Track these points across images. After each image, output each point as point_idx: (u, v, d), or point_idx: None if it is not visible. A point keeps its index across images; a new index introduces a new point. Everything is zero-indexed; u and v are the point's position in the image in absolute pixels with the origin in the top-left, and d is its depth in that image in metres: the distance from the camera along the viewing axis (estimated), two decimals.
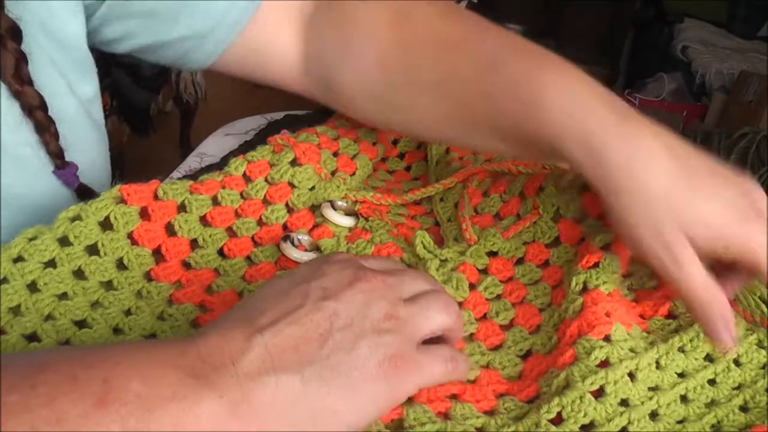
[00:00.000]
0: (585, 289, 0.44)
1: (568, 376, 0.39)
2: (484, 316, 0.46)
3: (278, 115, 0.74)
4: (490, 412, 0.39)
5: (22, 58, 0.46)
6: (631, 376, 0.40)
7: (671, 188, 0.40)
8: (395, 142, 0.66)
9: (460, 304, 0.46)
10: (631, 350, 0.40)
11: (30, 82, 0.47)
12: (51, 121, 0.49)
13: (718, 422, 0.39)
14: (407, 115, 0.52)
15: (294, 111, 0.76)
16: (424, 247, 0.49)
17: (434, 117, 0.51)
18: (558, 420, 0.37)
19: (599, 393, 0.38)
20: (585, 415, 0.37)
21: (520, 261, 0.50)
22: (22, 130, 0.48)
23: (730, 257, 0.40)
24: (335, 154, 0.58)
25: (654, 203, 0.40)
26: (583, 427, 0.37)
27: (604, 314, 0.42)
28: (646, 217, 0.40)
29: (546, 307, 0.46)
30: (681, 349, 0.42)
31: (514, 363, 0.42)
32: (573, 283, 0.45)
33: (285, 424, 0.32)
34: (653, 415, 0.39)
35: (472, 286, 0.47)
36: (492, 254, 0.50)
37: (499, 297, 0.47)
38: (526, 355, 0.43)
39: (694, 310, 0.40)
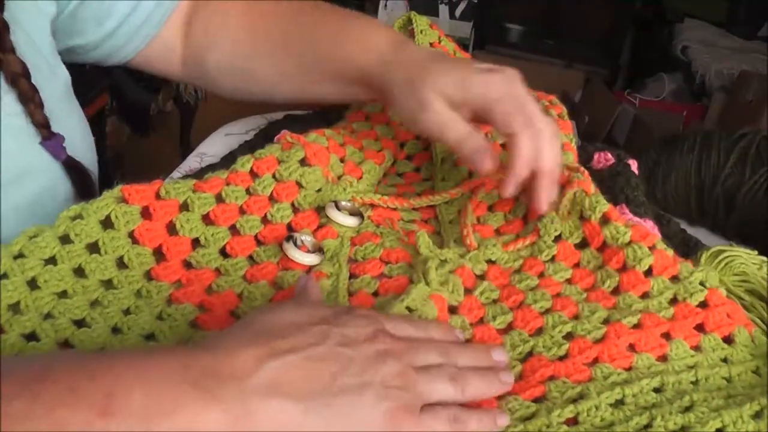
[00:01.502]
0: (607, 321, 0.44)
1: (584, 390, 0.39)
2: (480, 321, 0.45)
3: (278, 115, 0.74)
4: None
5: (4, 27, 0.47)
6: (656, 390, 0.41)
7: (426, 63, 0.54)
8: (402, 145, 0.65)
9: (455, 308, 0.46)
10: (655, 373, 0.41)
11: (13, 50, 0.48)
12: (35, 90, 0.49)
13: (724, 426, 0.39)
14: (257, 80, 0.64)
15: (294, 111, 0.76)
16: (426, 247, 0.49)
17: (278, 73, 0.63)
18: (572, 422, 0.38)
19: (617, 404, 0.39)
20: (602, 419, 0.38)
21: (516, 271, 0.50)
22: (7, 100, 0.48)
23: (479, 104, 0.51)
24: (342, 160, 0.58)
25: (414, 75, 0.53)
26: (598, 427, 0.38)
27: (626, 347, 0.43)
28: (410, 90, 0.53)
29: (548, 311, 0.46)
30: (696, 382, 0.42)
31: (512, 366, 0.42)
32: (589, 313, 0.45)
33: None
34: (685, 410, 0.39)
35: (468, 291, 0.47)
36: (490, 262, 0.50)
37: (495, 301, 0.47)
38: (525, 357, 0.43)
39: (460, 151, 0.53)
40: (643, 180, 0.68)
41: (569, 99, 2.37)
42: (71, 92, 0.58)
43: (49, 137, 0.50)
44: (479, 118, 0.53)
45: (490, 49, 2.86)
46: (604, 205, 0.50)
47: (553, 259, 0.51)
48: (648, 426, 0.38)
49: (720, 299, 0.47)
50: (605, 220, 0.50)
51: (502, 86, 0.51)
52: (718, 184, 0.71)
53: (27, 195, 0.49)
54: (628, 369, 0.42)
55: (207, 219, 0.49)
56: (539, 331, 0.44)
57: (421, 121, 0.53)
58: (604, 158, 0.65)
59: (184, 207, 0.48)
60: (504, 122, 0.51)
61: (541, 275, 0.49)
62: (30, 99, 0.49)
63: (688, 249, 0.57)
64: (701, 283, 0.47)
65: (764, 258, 0.51)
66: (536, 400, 0.40)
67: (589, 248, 0.50)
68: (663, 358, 0.43)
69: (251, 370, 0.32)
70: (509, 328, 0.45)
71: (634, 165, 0.64)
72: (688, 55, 2.61)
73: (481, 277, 0.49)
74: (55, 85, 0.54)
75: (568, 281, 0.49)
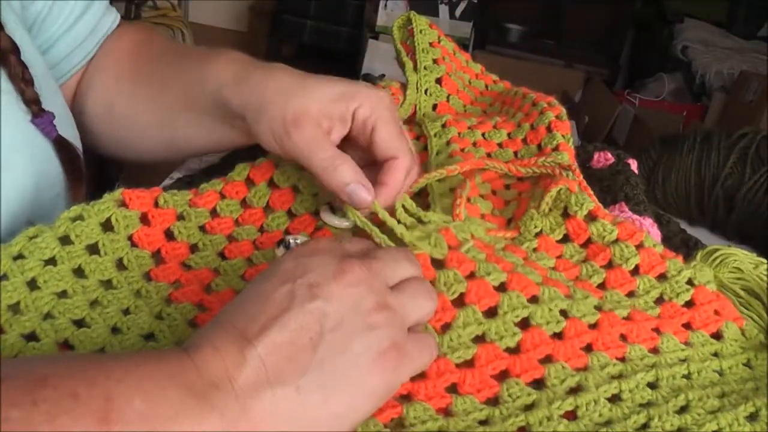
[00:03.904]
0: (599, 308, 0.44)
1: (581, 380, 0.39)
2: (472, 275, 0.43)
3: None
4: (494, 401, 0.39)
5: None
6: (651, 385, 0.40)
7: (288, 84, 0.49)
8: None
9: (441, 262, 0.43)
10: (649, 366, 0.41)
11: (2, 27, 0.48)
12: (24, 67, 0.49)
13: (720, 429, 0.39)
14: (130, 124, 0.61)
15: None
16: (406, 211, 0.47)
17: (151, 113, 0.59)
18: (571, 416, 0.38)
19: (615, 398, 0.39)
20: (600, 415, 0.38)
21: (501, 249, 0.49)
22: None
23: (357, 116, 0.49)
24: None
25: (286, 86, 0.49)
26: (597, 424, 0.37)
27: (618, 337, 0.42)
28: (283, 101, 0.48)
29: (541, 284, 0.44)
30: (687, 377, 0.42)
31: (512, 332, 0.41)
32: (581, 296, 0.44)
33: None
34: (681, 410, 0.39)
35: (453, 248, 0.44)
36: (474, 237, 0.49)
37: (484, 261, 0.44)
38: (524, 326, 0.41)
39: (329, 182, 0.47)
40: (643, 180, 0.68)
41: (569, 99, 2.37)
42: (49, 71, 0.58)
43: (39, 114, 0.50)
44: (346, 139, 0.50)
45: (490, 49, 2.86)
46: (590, 203, 0.50)
47: (534, 251, 0.50)
48: (645, 426, 0.38)
49: (707, 297, 0.46)
50: (592, 217, 0.50)
51: (386, 104, 0.50)
52: (718, 184, 0.71)
53: (18, 175, 0.48)
54: (622, 360, 0.42)
55: (203, 229, 0.50)
56: (535, 300, 0.42)
57: (288, 140, 0.48)
58: (604, 158, 0.65)
59: (181, 218, 0.49)
60: (387, 146, 0.49)
61: (525, 259, 0.48)
62: (19, 76, 0.49)
63: (688, 249, 0.57)
64: (689, 281, 0.47)
65: (762, 259, 0.51)
66: (537, 385, 0.39)
67: (571, 243, 0.50)
68: (655, 351, 0.43)
69: (238, 364, 0.32)
70: (504, 288, 0.43)
71: (633, 164, 0.64)
72: (688, 55, 2.61)
73: (466, 241, 0.47)
74: (40, 63, 0.54)
75: (553, 269, 0.49)
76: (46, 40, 0.59)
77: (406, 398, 0.37)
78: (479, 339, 0.41)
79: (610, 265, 0.48)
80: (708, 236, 0.72)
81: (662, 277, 0.47)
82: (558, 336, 0.42)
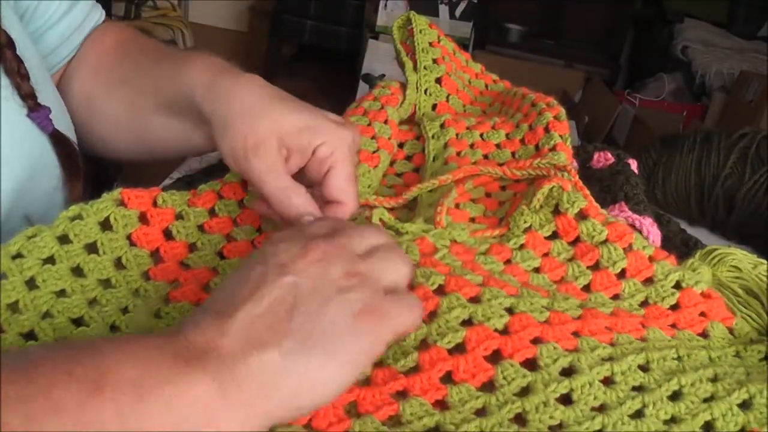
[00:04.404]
0: (582, 306, 0.44)
1: (574, 361, 0.39)
2: (449, 274, 0.43)
3: None
4: (489, 385, 0.38)
5: None
6: (642, 368, 0.40)
7: (256, 103, 0.49)
8: (401, 145, 0.65)
9: (416, 265, 0.43)
10: (638, 349, 0.41)
11: None
12: (20, 61, 0.49)
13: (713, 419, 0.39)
14: (103, 117, 0.61)
15: None
16: (384, 224, 0.48)
17: (125, 110, 0.60)
18: (567, 402, 0.37)
19: (608, 381, 0.39)
20: (595, 398, 0.37)
21: (482, 253, 0.49)
22: None
23: (317, 152, 0.49)
24: None
25: (253, 105, 0.49)
26: (592, 409, 0.37)
27: (604, 328, 0.42)
28: (249, 122, 0.48)
29: (519, 287, 0.44)
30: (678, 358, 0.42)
31: (499, 314, 0.40)
32: (562, 298, 0.44)
33: (271, 403, 0.33)
34: (673, 397, 0.39)
35: (426, 255, 0.45)
36: (454, 242, 0.49)
37: (459, 267, 0.45)
38: (509, 311, 0.41)
39: (282, 211, 0.47)
40: (643, 180, 0.68)
41: (569, 99, 2.37)
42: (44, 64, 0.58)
43: (35, 109, 0.50)
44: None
45: (490, 49, 2.86)
46: (582, 202, 0.50)
47: (521, 247, 0.50)
48: (640, 413, 0.38)
49: (693, 299, 0.46)
50: (583, 215, 0.50)
51: (347, 144, 0.49)
52: (718, 184, 0.71)
53: (15, 170, 0.49)
54: (611, 344, 0.41)
55: (202, 229, 0.50)
56: (515, 296, 0.42)
57: (246, 163, 0.47)
58: (603, 158, 0.66)
59: (179, 217, 0.49)
60: (338, 190, 0.49)
61: (507, 262, 0.48)
62: (15, 71, 0.49)
63: (687, 249, 0.57)
64: (677, 284, 0.47)
65: (761, 260, 0.51)
66: (530, 365, 0.39)
67: (559, 240, 0.50)
68: (642, 340, 0.43)
69: (220, 334, 0.33)
70: (483, 284, 0.43)
71: (633, 164, 0.64)
72: (688, 55, 2.61)
73: (443, 247, 0.47)
74: (34, 56, 0.55)
75: (536, 270, 0.48)
76: (35, 30, 0.59)
77: (401, 395, 0.37)
78: (467, 323, 0.40)
79: (596, 267, 0.48)
80: (708, 236, 0.72)
81: (649, 281, 0.47)
82: (546, 323, 0.41)
